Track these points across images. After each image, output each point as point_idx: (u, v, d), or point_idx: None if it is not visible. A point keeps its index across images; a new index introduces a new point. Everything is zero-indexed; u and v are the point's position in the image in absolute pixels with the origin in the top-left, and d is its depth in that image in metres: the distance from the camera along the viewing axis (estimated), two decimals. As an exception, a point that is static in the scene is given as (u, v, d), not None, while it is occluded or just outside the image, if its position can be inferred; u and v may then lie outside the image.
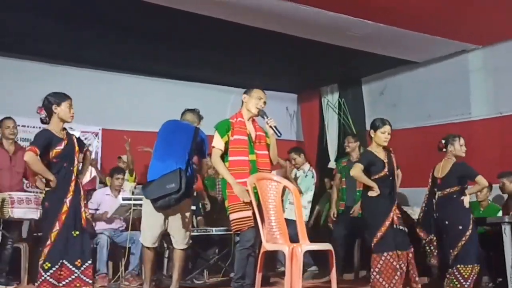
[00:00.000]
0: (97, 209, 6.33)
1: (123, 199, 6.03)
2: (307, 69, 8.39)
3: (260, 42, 7.01)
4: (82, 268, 4.40)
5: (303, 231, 4.23)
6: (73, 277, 4.36)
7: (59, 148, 4.42)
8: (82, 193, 4.53)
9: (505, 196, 6.48)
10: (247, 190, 4.26)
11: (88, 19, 6.32)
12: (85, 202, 4.58)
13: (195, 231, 6.18)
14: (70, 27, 6.54)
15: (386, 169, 5.05)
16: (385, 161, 5.10)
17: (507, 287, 5.27)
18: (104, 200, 6.45)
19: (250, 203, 4.25)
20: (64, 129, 4.56)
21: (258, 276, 4.12)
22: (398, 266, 4.86)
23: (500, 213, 6.31)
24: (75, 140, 4.57)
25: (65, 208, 4.35)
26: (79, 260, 4.39)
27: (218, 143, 4.48)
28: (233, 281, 4.42)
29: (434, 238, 5.47)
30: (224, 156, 4.49)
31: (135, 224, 5.94)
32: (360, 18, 6.33)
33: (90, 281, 4.44)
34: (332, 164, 8.74)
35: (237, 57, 7.71)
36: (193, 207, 6.06)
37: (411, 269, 4.99)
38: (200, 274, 6.47)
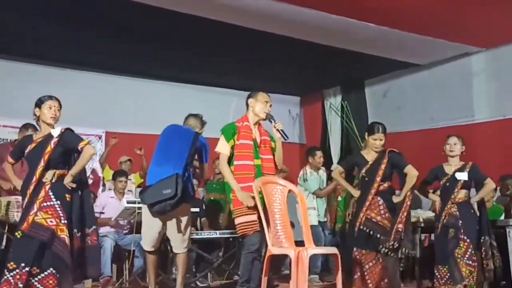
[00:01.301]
0: (101, 212, 6.33)
1: (128, 202, 6.04)
2: (310, 72, 8.40)
3: (263, 45, 7.02)
4: (39, 277, 4.01)
5: (308, 234, 4.22)
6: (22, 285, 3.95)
7: (26, 152, 4.27)
8: (42, 195, 4.10)
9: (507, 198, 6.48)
10: (252, 196, 4.23)
11: (89, 20, 6.34)
12: (45, 204, 4.11)
13: (199, 234, 6.17)
14: (70, 28, 6.55)
15: (363, 171, 5.16)
16: (370, 163, 5.14)
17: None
18: (109, 203, 6.45)
19: (255, 207, 4.23)
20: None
21: (264, 280, 4.11)
22: (363, 264, 4.98)
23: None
24: (51, 141, 4.17)
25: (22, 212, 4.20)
26: (34, 268, 3.99)
27: (224, 148, 4.46)
28: (238, 285, 4.40)
29: None
30: (229, 160, 4.47)
31: (139, 227, 5.93)
32: (363, 21, 6.34)
33: None
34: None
35: (240, 60, 7.71)
36: (197, 209, 6.06)
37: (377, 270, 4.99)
38: (204, 277, 6.47)
